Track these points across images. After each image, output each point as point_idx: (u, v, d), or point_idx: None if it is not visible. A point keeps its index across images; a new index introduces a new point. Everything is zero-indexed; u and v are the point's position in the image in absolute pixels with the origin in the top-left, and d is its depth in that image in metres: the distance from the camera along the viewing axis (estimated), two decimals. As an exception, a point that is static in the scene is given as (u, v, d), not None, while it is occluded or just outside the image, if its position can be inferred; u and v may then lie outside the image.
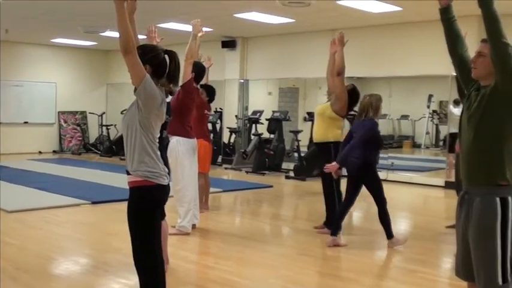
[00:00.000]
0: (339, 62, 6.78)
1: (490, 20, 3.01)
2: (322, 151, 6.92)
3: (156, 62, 3.51)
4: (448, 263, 5.81)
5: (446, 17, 3.36)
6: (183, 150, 6.43)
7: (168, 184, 3.53)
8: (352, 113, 8.40)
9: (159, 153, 3.53)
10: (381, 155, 13.61)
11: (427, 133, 18.60)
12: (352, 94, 6.90)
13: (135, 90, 3.39)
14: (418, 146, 19.11)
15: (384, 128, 18.02)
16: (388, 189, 11.46)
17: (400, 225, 8.18)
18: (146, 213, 3.47)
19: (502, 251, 3.10)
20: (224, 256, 5.73)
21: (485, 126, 3.17)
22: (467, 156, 3.26)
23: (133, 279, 4.78)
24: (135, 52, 3.31)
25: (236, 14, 11.46)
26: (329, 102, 6.90)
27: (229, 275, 5.03)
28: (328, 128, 6.82)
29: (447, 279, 5.20)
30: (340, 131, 6.87)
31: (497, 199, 3.11)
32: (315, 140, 7.07)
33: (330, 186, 6.84)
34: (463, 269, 3.36)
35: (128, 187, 3.42)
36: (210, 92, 8.01)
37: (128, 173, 3.47)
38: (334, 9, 10.79)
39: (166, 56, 3.56)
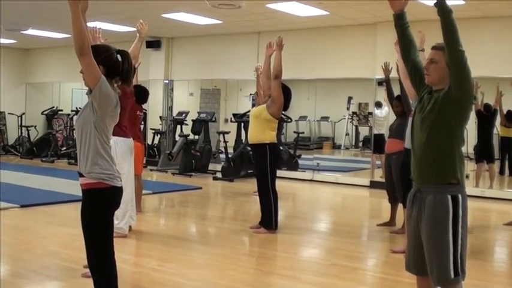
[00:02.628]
0: (276, 65, 6.87)
1: (448, 29, 3.16)
2: (257, 152, 7.00)
3: (110, 62, 3.47)
4: (385, 259, 6.00)
5: (400, 23, 3.49)
6: (121, 152, 6.33)
7: (121, 186, 3.50)
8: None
9: (112, 155, 3.51)
10: (306, 156, 13.98)
11: (347, 134, 19.08)
12: (285, 95, 7.00)
13: (90, 91, 3.33)
14: (338, 147, 19.56)
15: (305, 129, 18.35)
16: (315, 190, 11.95)
17: (331, 223, 8.39)
18: (101, 215, 3.43)
19: (454, 246, 3.26)
20: (167, 258, 5.69)
21: (437, 128, 3.32)
22: (419, 156, 3.41)
23: (77, 283, 4.68)
24: (91, 53, 3.26)
25: (164, 14, 11.38)
26: (265, 105, 6.98)
27: (175, 277, 5.00)
28: (264, 130, 6.90)
29: (386, 275, 5.38)
30: (275, 132, 6.98)
31: (449, 197, 3.27)
32: (250, 142, 7.13)
33: (265, 185, 6.92)
34: (415, 263, 3.50)
35: (80, 189, 3.42)
36: (143, 92, 7.94)
37: (81, 175, 3.42)
38: (263, 12, 10.91)
39: (119, 56, 3.53)
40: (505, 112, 11.26)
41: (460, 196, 3.30)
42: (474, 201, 9.71)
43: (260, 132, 6.88)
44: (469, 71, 3.23)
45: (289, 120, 13.76)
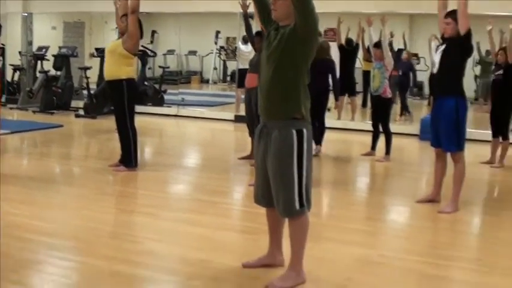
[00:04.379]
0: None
1: None
2: (114, 89, 6.83)
3: None
4: (246, 192, 6.14)
5: None
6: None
7: None
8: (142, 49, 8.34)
9: None
10: (171, 91, 13.87)
11: (215, 69, 19.08)
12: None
13: None
14: (206, 82, 19.57)
15: (172, 63, 18.16)
16: (181, 125, 11.94)
17: (196, 158, 8.47)
18: None
19: (299, 179, 3.41)
20: (25, 201, 5.49)
21: (283, 64, 3.40)
22: (266, 92, 3.48)
23: None
24: None
25: None
26: (120, 40, 6.79)
27: (31, 219, 4.86)
28: (120, 66, 6.71)
29: (246, 207, 5.52)
30: (131, 68, 6.83)
31: (294, 131, 3.39)
32: (106, 78, 6.94)
33: (123, 122, 6.80)
34: (263, 196, 3.64)
35: None
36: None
37: None
38: None
39: None
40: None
41: (305, 130, 3.43)
42: (337, 133, 10.16)
43: (116, 68, 6.69)
44: (313, 7, 3.30)
45: (154, 54, 13.50)
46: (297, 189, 3.40)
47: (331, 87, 8.22)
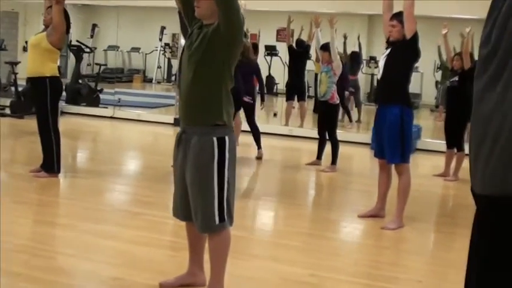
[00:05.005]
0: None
1: None
2: (37, 87, 6.68)
3: None
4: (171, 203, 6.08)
5: None
6: None
7: None
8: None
9: None
10: (107, 90, 13.70)
11: (159, 67, 18.90)
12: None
13: None
14: (150, 81, 19.36)
15: (113, 61, 17.94)
16: (116, 128, 11.76)
17: (129, 165, 8.35)
18: None
19: (219, 191, 3.34)
20: None
21: (205, 66, 3.35)
22: (186, 95, 3.42)
23: None
24: None
25: None
26: (45, 33, 6.64)
27: None
28: (44, 62, 6.55)
29: (172, 220, 5.39)
30: (56, 64, 6.68)
31: (215, 139, 3.33)
32: (28, 75, 6.78)
33: (45, 124, 6.64)
34: (181, 209, 3.56)
35: None
36: None
37: None
38: None
39: None
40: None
41: (227, 138, 3.37)
42: (283, 140, 10.16)
43: (39, 64, 6.54)
44: (238, 6, 3.26)
45: (90, 50, 13.32)
46: (217, 202, 3.34)
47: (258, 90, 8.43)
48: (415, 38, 5.24)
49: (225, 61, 3.36)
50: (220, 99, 3.36)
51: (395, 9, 5.49)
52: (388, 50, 5.42)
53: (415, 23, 5.23)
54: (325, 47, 7.86)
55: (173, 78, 18.78)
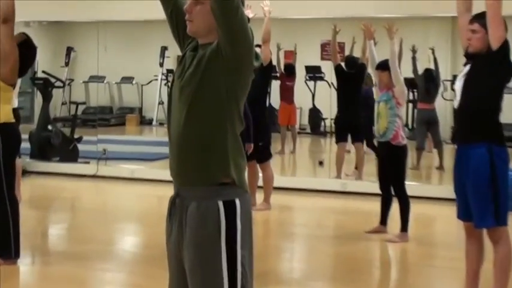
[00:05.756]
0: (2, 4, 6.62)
1: None
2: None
3: None
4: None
5: None
6: None
7: None
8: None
9: None
10: (88, 139, 13.83)
11: (161, 103, 18.98)
12: (26, 50, 6.82)
13: None
14: (149, 123, 19.43)
15: (97, 97, 18.09)
16: (99, 191, 11.78)
17: (118, 244, 8.35)
18: None
19: (230, 279, 3.29)
20: None
21: (202, 101, 3.30)
22: (178, 144, 3.39)
23: None
24: None
25: None
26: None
27: None
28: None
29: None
30: (9, 106, 6.73)
31: (220, 203, 3.30)
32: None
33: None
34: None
35: None
36: None
37: None
38: None
39: None
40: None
41: (238, 201, 3.34)
42: (333, 198, 10.09)
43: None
44: (243, 16, 3.25)
45: (62, 83, 13.52)
46: (227, 289, 3.31)
47: None
48: (504, 47, 5.20)
49: (230, 94, 3.32)
50: (225, 147, 3.33)
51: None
52: (468, 67, 5.39)
53: (504, 28, 5.19)
54: (383, 66, 7.85)
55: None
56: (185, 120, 3.36)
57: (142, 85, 19.26)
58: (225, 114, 3.35)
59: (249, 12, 7.96)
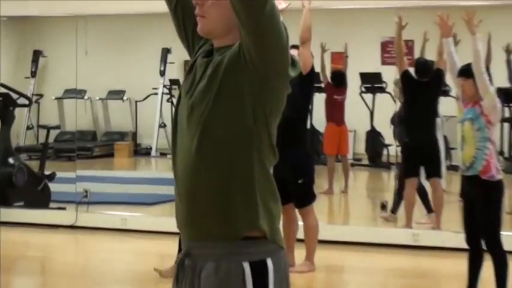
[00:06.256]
0: None
1: None
2: None
3: None
4: None
5: None
6: None
7: None
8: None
9: None
10: (63, 175, 13.95)
11: (163, 126, 19.06)
12: None
13: None
14: (146, 153, 19.51)
15: (75, 119, 18.24)
16: (79, 247, 11.83)
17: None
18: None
19: None
20: None
21: (220, 126, 3.30)
22: (186, 185, 3.39)
23: None
24: None
25: None
26: None
27: None
28: None
29: None
30: None
31: (246, 265, 3.33)
32: None
33: None
34: None
35: None
36: None
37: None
38: None
39: None
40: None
41: (270, 262, 3.36)
42: (402, 253, 10.11)
43: None
44: (274, 9, 3.25)
45: (28, 101, 13.68)
46: None
47: None
48: None
49: (257, 114, 3.32)
50: (252, 187, 3.33)
51: None
52: None
53: None
54: (467, 72, 7.83)
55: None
56: (197, 150, 3.35)
57: (136, 101, 19.33)
58: (251, 142, 3.35)
59: (280, 3, 7.98)
